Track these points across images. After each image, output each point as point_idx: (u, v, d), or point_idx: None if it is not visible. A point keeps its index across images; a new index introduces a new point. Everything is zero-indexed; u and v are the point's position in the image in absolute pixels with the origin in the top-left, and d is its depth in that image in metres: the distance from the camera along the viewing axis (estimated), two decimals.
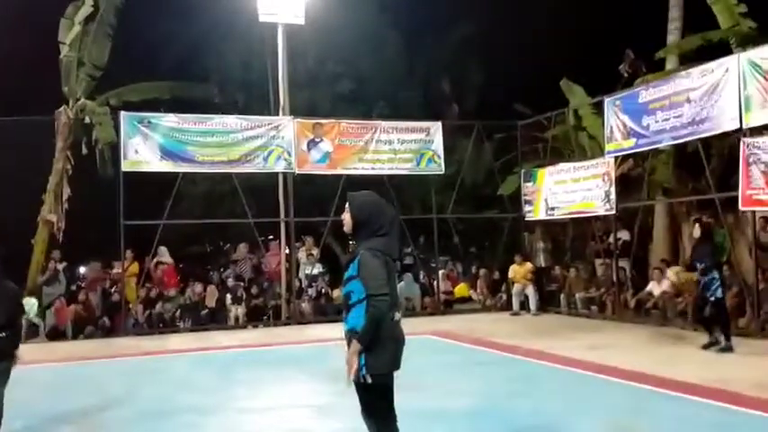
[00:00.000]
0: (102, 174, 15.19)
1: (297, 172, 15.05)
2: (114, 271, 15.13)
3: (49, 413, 7.33)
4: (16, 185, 14.01)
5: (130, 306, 14.39)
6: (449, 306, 16.55)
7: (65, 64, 15.23)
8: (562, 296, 15.53)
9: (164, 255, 15.65)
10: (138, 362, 10.97)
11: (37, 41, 17.02)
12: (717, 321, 9.73)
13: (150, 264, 15.07)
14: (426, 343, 11.44)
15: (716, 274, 9.52)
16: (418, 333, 11.09)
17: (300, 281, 15.88)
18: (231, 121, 14.80)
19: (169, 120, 14.30)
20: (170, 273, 15.63)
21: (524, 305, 15.70)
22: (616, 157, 13.85)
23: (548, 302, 15.88)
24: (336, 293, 14.91)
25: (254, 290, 15.28)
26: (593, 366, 8.85)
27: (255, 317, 14.91)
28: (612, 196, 13.75)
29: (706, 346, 9.69)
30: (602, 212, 14.25)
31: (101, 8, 15.17)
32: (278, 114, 15.75)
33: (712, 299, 9.55)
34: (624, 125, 13.20)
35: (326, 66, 20.52)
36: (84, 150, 15.06)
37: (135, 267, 14.99)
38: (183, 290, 15.54)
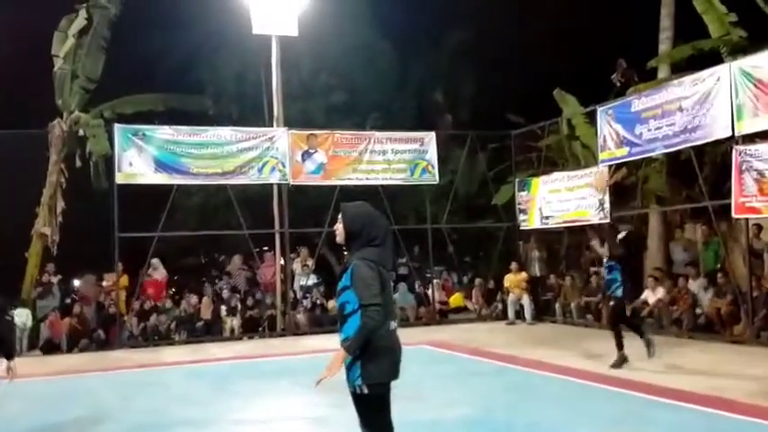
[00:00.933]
0: (96, 186, 15.12)
1: (291, 183, 15.06)
2: (104, 283, 15.09)
3: (43, 426, 7.30)
4: (10, 199, 13.96)
5: (125, 318, 14.34)
6: (444, 316, 16.54)
7: (58, 77, 15.20)
8: (557, 305, 15.53)
9: (157, 267, 15.62)
10: (133, 374, 10.93)
11: (30, 54, 17.01)
12: (632, 325, 9.62)
13: (144, 276, 15.02)
14: (422, 353, 11.43)
15: (618, 275, 9.38)
16: (413, 343, 11.04)
17: (295, 292, 15.85)
18: (225, 132, 14.80)
19: (163, 132, 14.30)
20: (157, 285, 15.58)
21: (520, 314, 15.68)
22: (609, 166, 13.90)
23: (543, 311, 15.88)
24: (332, 304, 14.88)
25: (249, 301, 15.25)
26: (589, 375, 8.85)
27: (251, 328, 14.87)
28: (606, 205, 13.79)
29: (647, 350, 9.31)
30: (596, 221, 14.27)
31: (94, 21, 15.16)
32: (272, 126, 15.78)
33: (613, 296, 9.48)
34: (617, 134, 13.25)
35: (320, 77, 20.56)
36: (79, 163, 15.00)
37: (125, 280, 14.93)
38: (177, 302, 15.51)
